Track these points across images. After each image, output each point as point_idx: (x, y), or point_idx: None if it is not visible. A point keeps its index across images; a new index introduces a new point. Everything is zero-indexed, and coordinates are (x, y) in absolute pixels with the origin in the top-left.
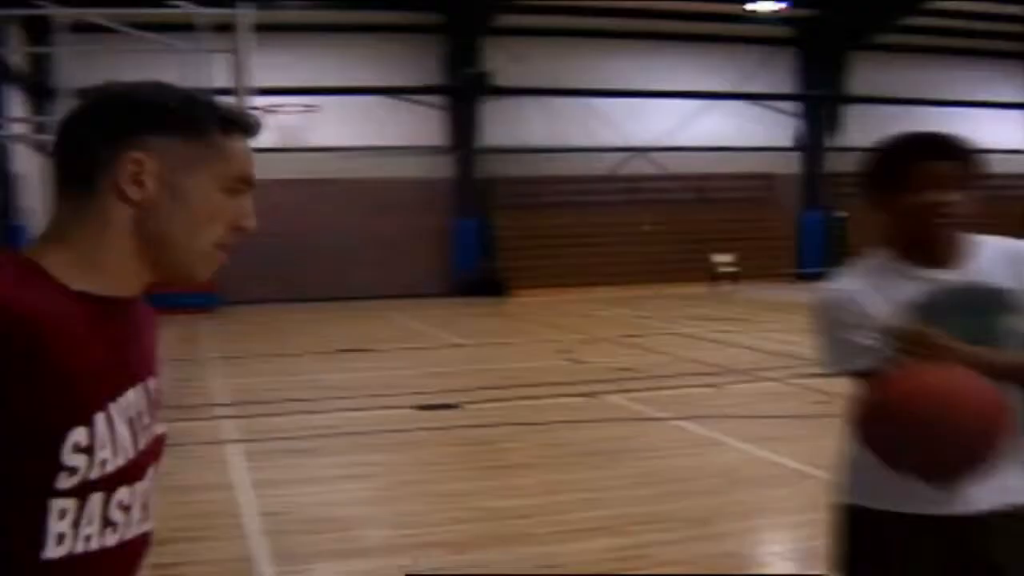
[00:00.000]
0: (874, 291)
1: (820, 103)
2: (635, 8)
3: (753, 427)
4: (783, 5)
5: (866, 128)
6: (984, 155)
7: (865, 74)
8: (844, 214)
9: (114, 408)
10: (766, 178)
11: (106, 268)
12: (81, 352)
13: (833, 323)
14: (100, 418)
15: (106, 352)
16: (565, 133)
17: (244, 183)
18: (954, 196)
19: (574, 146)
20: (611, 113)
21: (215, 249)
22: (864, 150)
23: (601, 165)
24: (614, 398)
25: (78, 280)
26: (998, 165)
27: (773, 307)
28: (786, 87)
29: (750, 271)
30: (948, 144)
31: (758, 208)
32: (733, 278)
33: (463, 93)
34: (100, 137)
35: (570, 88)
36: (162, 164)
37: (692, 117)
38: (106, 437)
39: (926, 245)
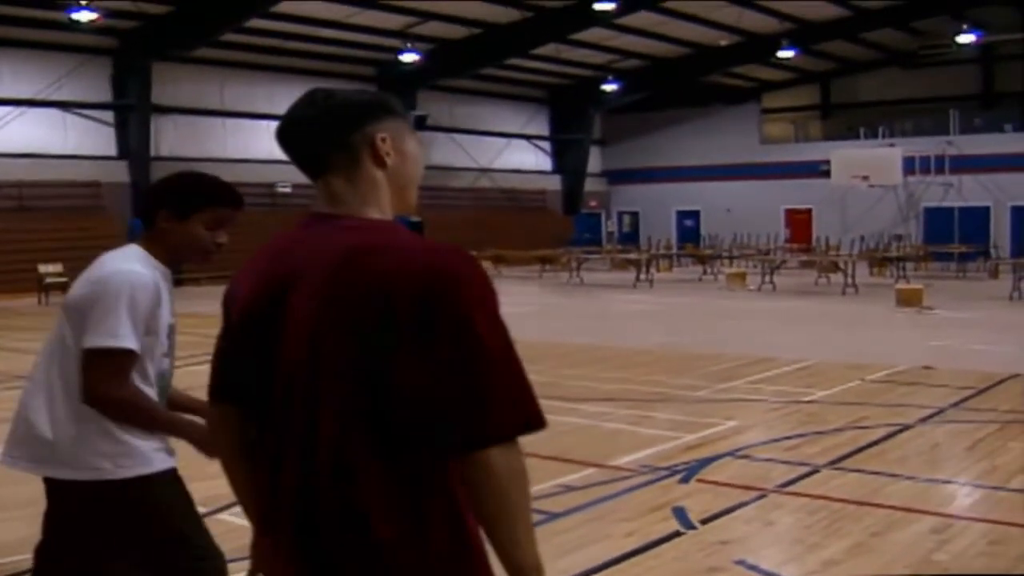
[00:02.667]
0: (157, 285)
1: (132, 112)
2: None
3: None
4: (97, 15)
5: (182, 139)
6: None
7: (178, 86)
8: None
9: None
10: (94, 186)
11: (388, 216)
12: None
13: (136, 303)
14: None
15: None
16: None
17: None
18: (225, 237)
19: None
20: None
21: None
22: (184, 160)
23: None
24: None
25: None
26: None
27: None
28: (101, 96)
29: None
30: (235, 195)
31: (86, 217)
32: (63, 288)
33: None
34: (354, 127)
35: None
36: (393, 138)
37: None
38: None
39: (184, 264)
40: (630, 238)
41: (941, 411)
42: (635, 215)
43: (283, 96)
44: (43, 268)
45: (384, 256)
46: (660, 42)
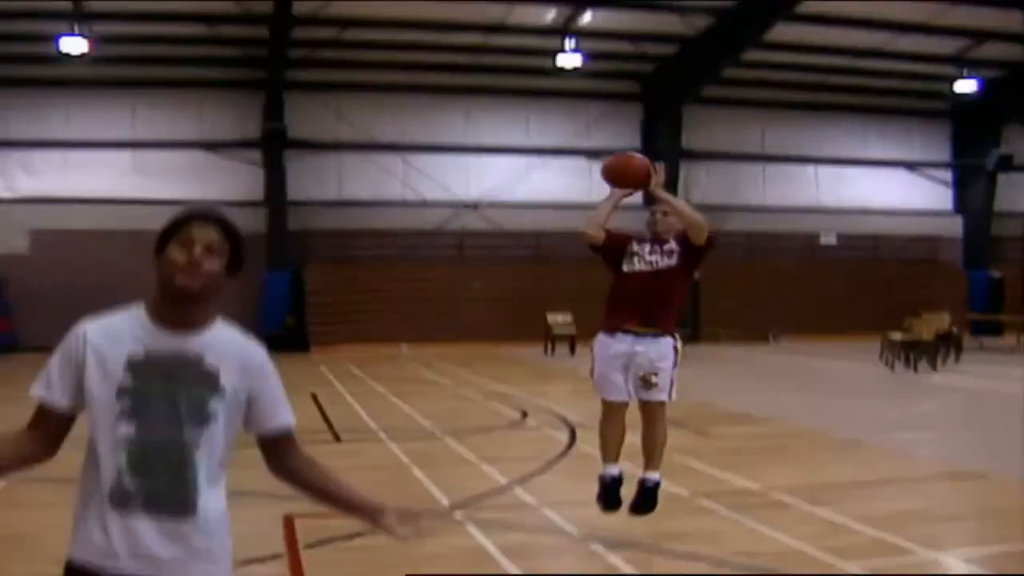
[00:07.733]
0: (117, 338)
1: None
2: (459, 64)
3: None
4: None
5: (716, 185)
6: None
7: (701, 128)
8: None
9: None
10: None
11: None
12: None
13: (62, 353)
14: None
15: None
16: (385, 187)
17: None
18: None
19: (394, 200)
20: (437, 168)
21: None
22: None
23: (426, 220)
24: None
25: None
26: None
27: None
28: (630, 142)
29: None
30: (211, 214)
31: (597, 266)
32: (571, 339)
33: (269, 147)
34: None
35: (388, 143)
36: None
37: (525, 173)
38: None
39: (171, 304)
40: None
41: None
42: None
43: (834, 137)
44: (552, 318)
45: None
46: None
